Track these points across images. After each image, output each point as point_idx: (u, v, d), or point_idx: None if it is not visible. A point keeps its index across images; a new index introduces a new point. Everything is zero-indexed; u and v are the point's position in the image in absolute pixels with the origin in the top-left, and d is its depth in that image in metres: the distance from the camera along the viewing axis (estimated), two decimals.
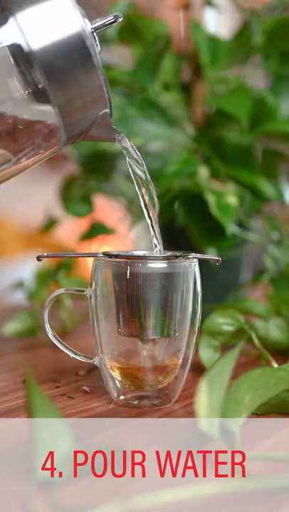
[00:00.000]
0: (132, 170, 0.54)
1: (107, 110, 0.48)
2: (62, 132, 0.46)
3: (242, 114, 0.77)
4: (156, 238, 0.55)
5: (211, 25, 0.86)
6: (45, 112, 0.45)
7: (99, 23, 0.47)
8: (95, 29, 0.46)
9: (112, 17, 0.48)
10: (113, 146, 0.81)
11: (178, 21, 0.89)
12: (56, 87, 0.45)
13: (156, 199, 0.55)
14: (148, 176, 0.54)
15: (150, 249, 0.57)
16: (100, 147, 0.81)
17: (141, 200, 0.54)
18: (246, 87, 0.81)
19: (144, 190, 0.54)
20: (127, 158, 0.53)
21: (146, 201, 0.54)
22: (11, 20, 0.44)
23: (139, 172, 0.54)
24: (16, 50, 0.44)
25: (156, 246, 0.55)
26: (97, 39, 0.46)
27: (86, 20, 0.45)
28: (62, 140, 0.47)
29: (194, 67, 0.86)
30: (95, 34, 0.46)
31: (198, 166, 0.79)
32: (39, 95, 0.45)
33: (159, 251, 0.55)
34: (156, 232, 0.55)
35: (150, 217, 0.54)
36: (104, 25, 0.47)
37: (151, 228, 0.55)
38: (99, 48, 0.46)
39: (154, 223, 0.55)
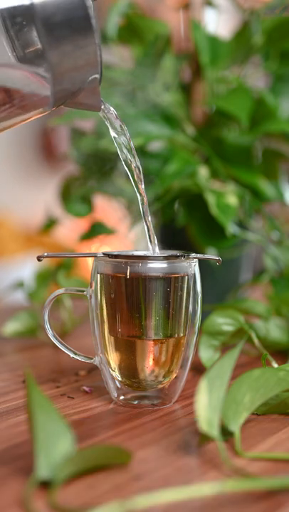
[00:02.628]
0: (116, 143, 0.53)
1: (97, 76, 0.47)
2: (52, 90, 0.46)
3: (242, 114, 0.77)
4: (146, 220, 0.55)
5: (211, 25, 0.86)
6: (38, 67, 0.45)
7: None
8: None
9: None
10: (113, 146, 0.81)
11: (178, 21, 0.89)
12: (52, 42, 0.44)
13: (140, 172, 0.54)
14: (131, 144, 0.54)
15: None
16: (100, 147, 0.81)
17: (130, 177, 0.54)
18: (246, 87, 0.81)
19: (133, 166, 0.54)
20: (110, 130, 0.53)
21: (136, 176, 0.54)
22: None
23: (121, 140, 0.53)
24: (15, 3, 0.44)
25: (147, 227, 0.55)
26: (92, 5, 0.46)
27: None
28: (50, 100, 0.47)
29: (194, 67, 0.86)
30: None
31: (198, 166, 0.79)
32: (36, 51, 0.44)
33: (148, 225, 0.55)
34: (145, 205, 0.55)
35: (141, 194, 0.54)
36: None
37: (141, 206, 0.55)
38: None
39: (144, 199, 0.54)
